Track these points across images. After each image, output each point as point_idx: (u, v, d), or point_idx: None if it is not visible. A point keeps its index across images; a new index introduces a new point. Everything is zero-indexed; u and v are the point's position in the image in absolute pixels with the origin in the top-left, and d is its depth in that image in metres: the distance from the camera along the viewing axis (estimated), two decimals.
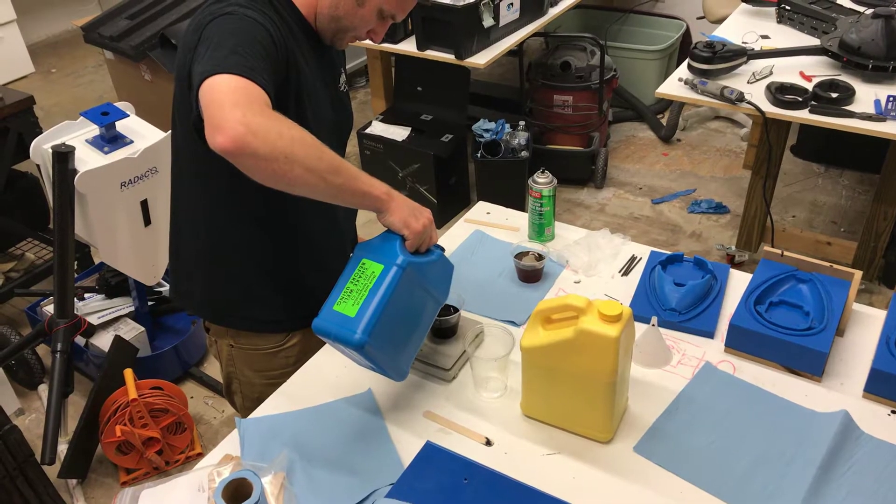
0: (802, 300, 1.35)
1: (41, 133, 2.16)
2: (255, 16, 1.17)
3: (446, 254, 1.28)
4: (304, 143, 1.07)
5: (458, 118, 3.24)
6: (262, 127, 1.02)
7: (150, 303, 2.49)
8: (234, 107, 1.02)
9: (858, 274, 1.36)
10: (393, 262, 1.16)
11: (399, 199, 1.19)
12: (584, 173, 3.40)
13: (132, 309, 2.47)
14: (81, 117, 2.12)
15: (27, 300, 2.70)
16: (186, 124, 1.23)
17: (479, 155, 3.05)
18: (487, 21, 2.68)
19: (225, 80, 1.05)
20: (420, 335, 1.26)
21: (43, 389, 2.47)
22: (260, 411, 1.29)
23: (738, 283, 1.48)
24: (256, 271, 1.39)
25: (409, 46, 2.85)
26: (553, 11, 3.03)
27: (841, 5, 2.57)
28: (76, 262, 2.60)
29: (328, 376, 1.35)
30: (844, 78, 2.18)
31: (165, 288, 2.57)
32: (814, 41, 2.41)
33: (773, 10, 2.63)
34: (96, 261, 2.77)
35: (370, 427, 1.24)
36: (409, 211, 1.19)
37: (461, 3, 2.65)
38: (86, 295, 2.51)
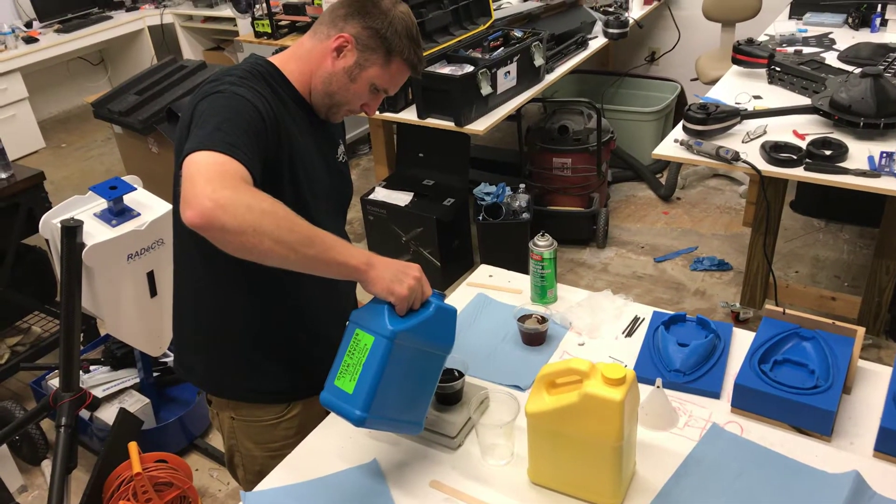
0: (807, 358, 1.35)
1: (51, 208, 2.20)
2: (244, 93, 1.21)
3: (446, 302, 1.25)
4: (275, 215, 1.07)
5: (460, 182, 3.29)
6: (230, 201, 1.04)
7: (155, 374, 2.49)
8: (205, 182, 1.05)
9: (861, 330, 1.36)
10: (381, 333, 1.14)
11: (380, 266, 1.16)
12: (585, 233, 3.43)
13: (137, 380, 2.47)
14: (90, 191, 2.16)
15: (32, 374, 2.70)
16: None
17: (480, 218, 3.09)
18: (485, 89, 2.75)
19: (203, 157, 1.08)
20: (429, 388, 1.25)
21: (46, 465, 2.45)
22: (264, 484, 1.27)
23: (742, 341, 1.48)
24: (256, 342, 1.40)
25: (409, 115, 2.92)
26: (549, 77, 3.11)
27: (829, 65, 2.64)
28: (82, 335, 2.60)
29: (332, 446, 1.34)
30: (837, 135, 2.22)
31: (171, 358, 2.57)
32: (805, 100, 2.46)
33: (763, 70, 2.70)
34: (102, 332, 2.77)
35: (376, 498, 1.23)
36: (392, 276, 1.16)
37: (459, 73, 2.73)
38: (91, 367, 2.51)
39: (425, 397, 1.24)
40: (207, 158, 1.08)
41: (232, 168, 1.09)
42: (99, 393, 2.38)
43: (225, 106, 1.18)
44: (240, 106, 1.19)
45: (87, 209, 2.15)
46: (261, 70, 1.29)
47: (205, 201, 1.03)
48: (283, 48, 3.78)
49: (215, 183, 1.05)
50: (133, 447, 2.08)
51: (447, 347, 1.26)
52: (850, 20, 3.15)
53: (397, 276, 1.16)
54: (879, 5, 3.09)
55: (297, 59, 1.33)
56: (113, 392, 2.43)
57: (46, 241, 2.20)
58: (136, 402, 2.40)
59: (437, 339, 1.24)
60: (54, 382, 2.47)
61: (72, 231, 1.99)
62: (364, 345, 1.15)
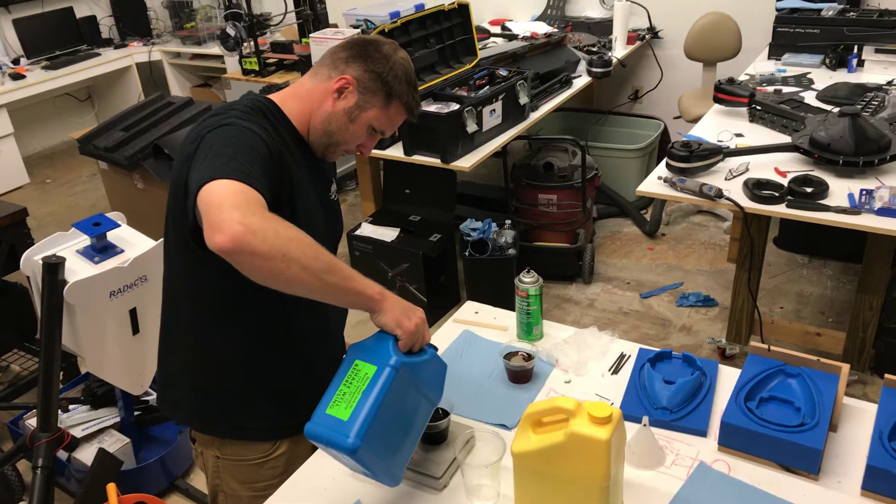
0: (793, 395, 1.34)
1: (33, 244, 2.18)
2: (252, 126, 1.23)
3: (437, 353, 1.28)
4: (302, 242, 1.10)
5: (446, 218, 3.30)
6: (260, 227, 1.06)
7: (136, 413, 2.45)
8: (233, 208, 1.06)
9: (846, 367, 1.36)
10: (386, 363, 1.16)
11: (392, 299, 1.21)
12: (571, 269, 3.44)
13: (118, 419, 2.42)
14: (73, 228, 2.15)
15: (10, 413, 2.64)
16: (180, 231, 1.26)
17: (467, 253, 3.09)
18: (471, 127, 2.78)
19: (223, 185, 1.10)
20: (414, 438, 1.24)
21: None
22: None
23: (728, 378, 1.47)
24: (244, 379, 1.39)
25: (396, 152, 2.93)
26: (534, 115, 3.15)
27: (808, 104, 2.69)
28: (62, 373, 2.56)
29: (316, 488, 1.31)
30: (817, 173, 2.25)
31: (152, 397, 2.53)
32: (785, 139, 2.50)
33: (744, 109, 2.75)
34: (83, 371, 2.73)
35: None
36: (402, 311, 1.20)
37: (445, 111, 2.76)
38: (70, 406, 2.46)
39: (409, 445, 1.23)
40: (228, 187, 1.09)
41: (253, 196, 1.10)
42: (78, 433, 2.33)
43: (236, 137, 1.20)
44: (250, 138, 1.21)
45: (69, 246, 2.13)
46: (261, 107, 1.31)
47: (236, 226, 1.04)
48: (271, 85, 3.82)
49: (243, 209, 1.07)
50: (111, 489, 2.03)
51: (436, 397, 1.28)
52: (827, 61, 3.22)
53: (406, 311, 1.21)
54: (855, 46, 3.17)
55: (296, 98, 1.35)
56: (92, 432, 2.38)
57: (28, 277, 2.17)
58: (116, 442, 2.36)
59: (430, 385, 1.26)
60: (32, 422, 2.41)
61: (53, 268, 1.97)
62: (364, 374, 1.15)
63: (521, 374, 1.52)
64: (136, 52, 5.60)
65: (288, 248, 1.07)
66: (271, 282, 1.09)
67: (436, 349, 1.26)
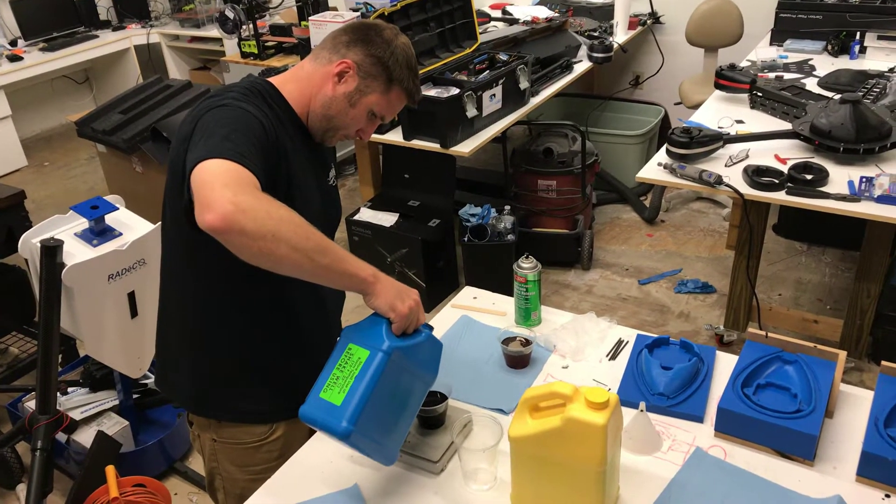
0: (789, 382, 1.35)
1: (31, 227, 2.18)
2: (249, 108, 1.23)
3: (434, 335, 1.28)
4: (292, 222, 1.10)
5: (445, 203, 3.29)
6: (250, 206, 1.05)
7: (134, 395, 2.46)
8: (223, 187, 1.06)
9: (843, 354, 1.36)
10: (378, 347, 1.16)
11: (385, 281, 1.20)
12: (570, 255, 3.44)
13: (116, 402, 2.43)
14: (71, 211, 2.14)
15: (9, 396, 2.65)
16: (176, 212, 1.26)
17: (466, 239, 3.09)
18: (471, 111, 2.77)
19: (216, 164, 1.10)
20: (408, 418, 1.25)
21: (21, 489, 2.39)
22: None
23: (725, 365, 1.48)
24: (242, 361, 1.39)
25: (395, 136, 2.92)
26: (534, 101, 3.13)
27: (810, 91, 2.68)
28: (61, 356, 2.57)
29: (313, 471, 1.32)
30: (817, 160, 2.24)
31: (150, 380, 2.53)
32: (786, 125, 2.49)
33: (745, 95, 2.74)
34: (81, 354, 2.74)
35: None
36: (396, 293, 1.19)
37: (445, 96, 2.74)
38: (69, 389, 2.47)
39: (404, 425, 1.24)
40: (220, 166, 1.09)
41: (245, 176, 1.10)
42: (77, 415, 2.34)
43: (232, 118, 1.20)
44: (246, 119, 1.20)
45: (67, 228, 2.13)
46: (260, 89, 1.31)
47: (226, 205, 1.04)
48: (270, 69, 3.79)
49: (234, 188, 1.06)
50: (110, 471, 2.05)
51: (431, 378, 1.28)
52: (829, 47, 3.20)
53: (400, 294, 1.20)
54: (858, 33, 3.15)
55: (296, 81, 1.35)
56: (91, 414, 2.39)
57: (26, 260, 2.17)
58: (115, 425, 2.37)
59: (425, 366, 1.26)
60: (31, 405, 2.42)
61: (51, 251, 1.97)
62: (357, 358, 1.16)
63: (519, 359, 1.52)
64: (135, 35, 5.56)
65: (278, 227, 1.07)
66: (261, 261, 1.09)
67: (431, 329, 1.26)
